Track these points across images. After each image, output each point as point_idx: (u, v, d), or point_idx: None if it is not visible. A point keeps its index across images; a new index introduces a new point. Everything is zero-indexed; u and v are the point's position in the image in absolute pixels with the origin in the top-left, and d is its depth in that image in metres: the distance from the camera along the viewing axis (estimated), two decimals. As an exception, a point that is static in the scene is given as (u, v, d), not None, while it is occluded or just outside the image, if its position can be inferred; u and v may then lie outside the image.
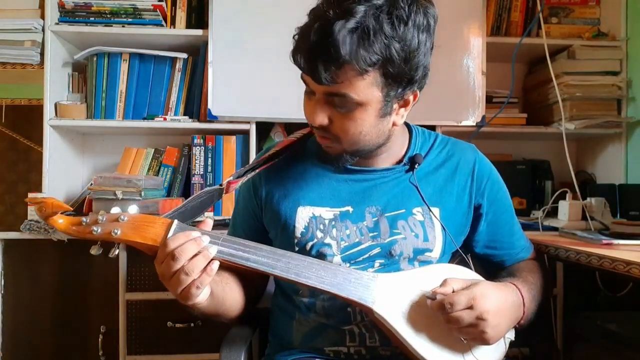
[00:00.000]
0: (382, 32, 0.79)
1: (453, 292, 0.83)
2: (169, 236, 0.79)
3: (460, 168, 1.01)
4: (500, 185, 1.05)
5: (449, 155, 1.03)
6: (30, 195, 1.74)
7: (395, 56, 0.81)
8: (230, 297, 0.94)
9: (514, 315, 0.89)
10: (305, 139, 1.06)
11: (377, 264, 0.95)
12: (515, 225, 1.09)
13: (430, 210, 0.96)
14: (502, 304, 0.85)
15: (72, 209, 0.80)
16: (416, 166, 0.98)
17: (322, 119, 0.86)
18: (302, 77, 0.87)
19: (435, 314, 0.84)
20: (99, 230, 0.79)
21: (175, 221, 0.81)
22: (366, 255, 0.95)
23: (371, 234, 0.95)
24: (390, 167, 1.00)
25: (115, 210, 0.81)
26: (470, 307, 0.81)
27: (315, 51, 0.80)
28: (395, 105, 0.90)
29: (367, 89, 0.83)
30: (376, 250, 0.95)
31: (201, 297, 0.81)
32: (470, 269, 0.96)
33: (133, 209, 0.82)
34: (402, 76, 0.84)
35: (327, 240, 0.95)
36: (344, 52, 0.78)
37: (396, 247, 0.94)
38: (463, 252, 1.01)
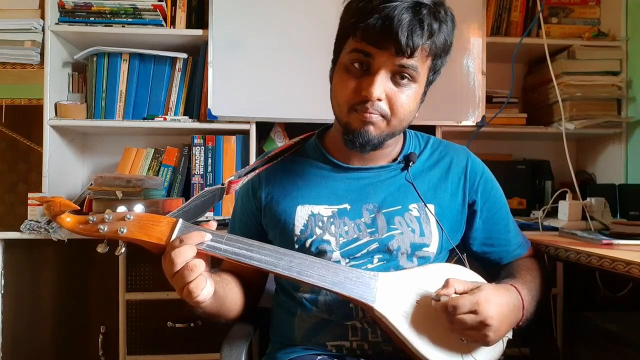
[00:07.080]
0: (446, 24, 0.89)
1: (455, 293, 0.84)
2: (173, 235, 0.80)
3: (453, 167, 1.04)
4: (493, 183, 1.07)
5: (442, 156, 1.06)
6: (31, 195, 1.74)
7: (443, 48, 0.91)
8: (230, 297, 0.95)
9: (515, 318, 0.90)
10: (303, 142, 1.09)
11: (375, 260, 0.96)
12: (511, 222, 1.10)
13: (425, 206, 0.98)
14: (505, 308, 0.86)
15: (79, 207, 0.81)
16: (411, 164, 1.01)
17: (380, 92, 0.88)
18: (360, 51, 0.88)
19: (434, 314, 0.85)
20: (106, 229, 0.80)
21: (180, 220, 0.83)
22: (364, 251, 0.96)
23: (369, 230, 0.97)
24: (386, 164, 1.02)
25: (122, 209, 0.82)
26: (474, 312, 0.82)
27: (406, 24, 0.84)
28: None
29: (423, 71, 0.92)
30: (374, 246, 0.96)
31: (204, 296, 0.80)
32: (465, 266, 0.97)
33: (139, 207, 0.83)
34: (438, 68, 0.95)
35: (326, 236, 0.96)
36: (430, 31, 0.86)
37: (393, 243, 0.96)
38: (461, 251, 1.02)
